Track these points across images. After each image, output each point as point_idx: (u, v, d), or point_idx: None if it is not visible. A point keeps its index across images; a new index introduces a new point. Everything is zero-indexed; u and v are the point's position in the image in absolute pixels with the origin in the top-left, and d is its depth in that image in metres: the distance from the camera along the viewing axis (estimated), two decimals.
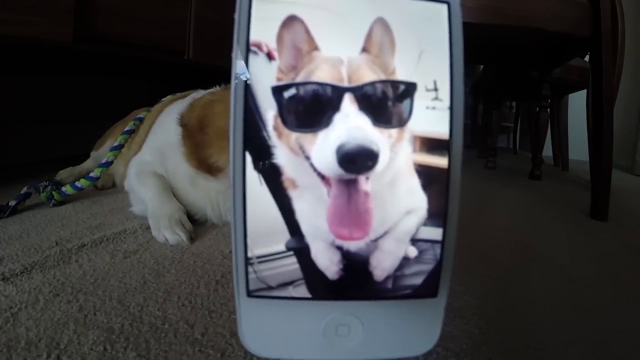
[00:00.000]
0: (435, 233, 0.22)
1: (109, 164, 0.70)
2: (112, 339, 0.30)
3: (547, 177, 1.37)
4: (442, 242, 0.22)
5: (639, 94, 1.96)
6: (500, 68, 1.52)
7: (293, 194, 0.21)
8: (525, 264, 0.52)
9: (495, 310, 0.38)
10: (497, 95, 1.65)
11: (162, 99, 0.81)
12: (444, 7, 0.22)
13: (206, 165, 0.58)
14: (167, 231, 0.52)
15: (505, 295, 0.42)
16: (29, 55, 0.86)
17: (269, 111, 0.21)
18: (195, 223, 0.59)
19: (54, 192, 0.65)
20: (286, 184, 0.21)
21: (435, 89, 0.22)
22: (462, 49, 0.22)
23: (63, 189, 0.66)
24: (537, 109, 1.41)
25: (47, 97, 1.10)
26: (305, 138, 0.21)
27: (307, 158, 0.21)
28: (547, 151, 1.69)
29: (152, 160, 0.65)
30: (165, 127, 0.65)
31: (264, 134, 0.21)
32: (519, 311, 0.39)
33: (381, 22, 0.21)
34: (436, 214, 0.22)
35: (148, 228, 0.55)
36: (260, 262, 0.22)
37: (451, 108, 0.22)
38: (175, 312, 0.35)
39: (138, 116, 0.79)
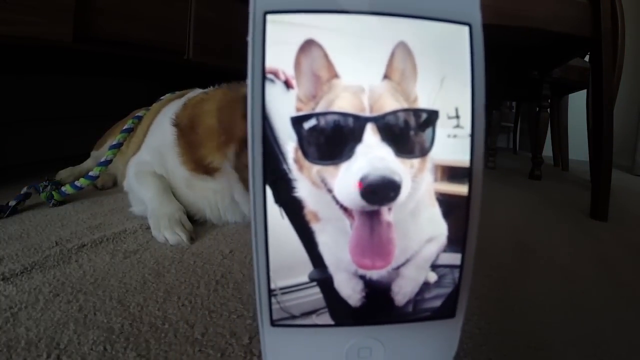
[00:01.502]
0: (454, 258, 0.22)
1: (108, 162, 0.70)
2: (112, 339, 0.30)
3: (547, 177, 1.37)
4: (461, 267, 0.23)
5: (639, 94, 1.96)
6: (500, 68, 1.52)
7: (315, 227, 0.21)
8: (525, 264, 0.52)
9: (495, 310, 0.39)
10: (497, 95, 1.65)
11: (161, 97, 0.82)
12: (465, 29, 0.21)
13: (202, 167, 0.58)
14: (167, 231, 0.52)
15: (505, 295, 0.42)
16: (29, 55, 0.86)
17: (289, 143, 0.20)
18: (195, 223, 0.59)
19: (53, 192, 0.65)
20: (308, 217, 0.21)
21: (457, 116, 0.21)
22: (483, 72, 0.21)
23: (63, 188, 0.66)
24: (537, 109, 1.41)
25: (47, 97, 1.10)
26: (327, 170, 0.21)
27: (330, 191, 0.21)
28: (547, 151, 1.69)
29: (152, 160, 0.65)
30: (162, 127, 0.65)
31: (284, 167, 0.21)
32: (519, 311, 0.39)
33: (403, 47, 0.20)
34: (456, 241, 0.22)
35: (148, 228, 0.55)
36: (283, 293, 0.22)
37: (472, 135, 0.21)
38: (175, 312, 0.35)
39: (137, 115, 0.79)
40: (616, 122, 0.80)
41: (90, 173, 0.67)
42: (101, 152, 0.86)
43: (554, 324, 0.37)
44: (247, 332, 0.32)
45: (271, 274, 0.21)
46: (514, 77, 1.55)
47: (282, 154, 0.20)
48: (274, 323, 0.22)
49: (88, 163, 0.89)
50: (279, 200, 0.21)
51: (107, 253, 0.47)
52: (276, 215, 0.21)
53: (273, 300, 0.22)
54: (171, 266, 0.44)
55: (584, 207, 0.86)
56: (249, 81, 0.20)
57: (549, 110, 1.42)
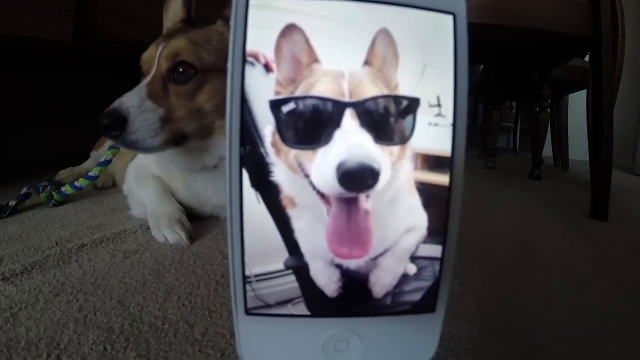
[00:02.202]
0: (434, 250, 0.22)
1: (107, 162, 0.69)
2: (112, 339, 0.30)
3: (547, 177, 1.37)
4: (441, 259, 0.22)
5: (639, 94, 1.96)
6: (500, 68, 1.52)
7: (292, 212, 0.21)
8: (525, 264, 0.52)
9: (495, 310, 0.38)
10: (497, 95, 1.65)
11: None
12: (449, 18, 0.21)
13: None
14: (167, 230, 0.52)
15: (505, 295, 0.42)
16: (29, 55, 0.86)
17: (267, 126, 0.20)
18: (196, 222, 0.59)
19: (53, 192, 0.65)
20: (284, 202, 0.21)
21: (439, 105, 0.21)
22: (466, 62, 0.21)
23: (62, 188, 0.66)
24: (537, 109, 1.41)
25: (47, 97, 1.10)
26: (304, 155, 0.21)
27: (307, 176, 0.21)
28: (547, 151, 1.69)
29: (149, 162, 0.65)
30: None
31: (262, 150, 0.20)
32: (519, 311, 0.39)
33: (385, 34, 0.20)
34: (436, 232, 0.22)
35: (148, 228, 0.55)
36: (258, 281, 0.21)
37: (454, 124, 0.21)
38: (175, 312, 0.35)
39: None
40: (616, 122, 0.80)
41: (90, 173, 0.67)
42: (101, 152, 0.86)
43: (554, 324, 0.37)
44: None
45: (246, 259, 0.21)
46: (514, 77, 1.55)
47: (259, 137, 0.20)
48: (248, 311, 0.22)
49: (88, 163, 0.89)
50: (255, 184, 0.20)
51: (107, 253, 0.47)
52: (252, 199, 0.21)
53: (248, 287, 0.21)
54: (171, 266, 0.44)
55: (584, 207, 0.86)
56: (229, 64, 0.20)
57: (549, 110, 1.42)
